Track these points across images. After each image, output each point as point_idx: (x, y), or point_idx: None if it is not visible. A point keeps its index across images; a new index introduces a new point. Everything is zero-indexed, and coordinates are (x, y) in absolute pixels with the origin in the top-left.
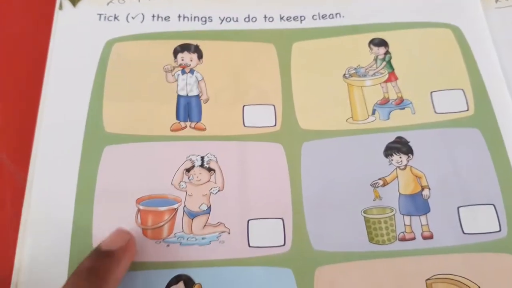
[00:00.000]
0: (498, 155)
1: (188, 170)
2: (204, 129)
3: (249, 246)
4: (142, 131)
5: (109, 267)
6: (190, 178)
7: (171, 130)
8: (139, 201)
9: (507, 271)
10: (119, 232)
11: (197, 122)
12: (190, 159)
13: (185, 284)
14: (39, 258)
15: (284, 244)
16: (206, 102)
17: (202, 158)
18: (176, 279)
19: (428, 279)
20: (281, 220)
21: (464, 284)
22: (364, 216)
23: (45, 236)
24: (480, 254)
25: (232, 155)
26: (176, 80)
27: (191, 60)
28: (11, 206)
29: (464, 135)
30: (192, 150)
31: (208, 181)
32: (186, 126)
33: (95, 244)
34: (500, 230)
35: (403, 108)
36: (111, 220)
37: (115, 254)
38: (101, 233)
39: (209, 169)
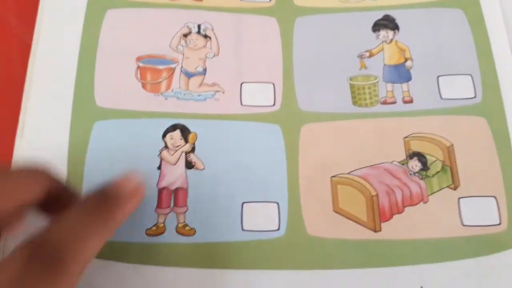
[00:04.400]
0: (479, 32)
1: (185, 35)
2: (202, 0)
3: (241, 104)
4: None
5: (117, 202)
6: (187, 43)
7: None
8: (139, 59)
9: (478, 131)
10: (127, 176)
11: None
12: (187, 26)
13: (181, 131)
14: (42, 117)
15: (274, 105)
16: None
17: (199, 25)
18: (173, 127)
19: (406, 137)
20: (271, 84)
21: (439, 141)
22: (350, 83)
23: (49, 90)
24: (455, 116)
25: (228, 25)
26: None
27: None
28: (20, 64)
29: (448, 14)
30: (189, 18)
31: (204, 46)
32: None
33: (97, 99)
34: (475, 96)
35: None
36: (112, 75)
37: (124, 194)
38: (102, 87)
39: (205, 36)
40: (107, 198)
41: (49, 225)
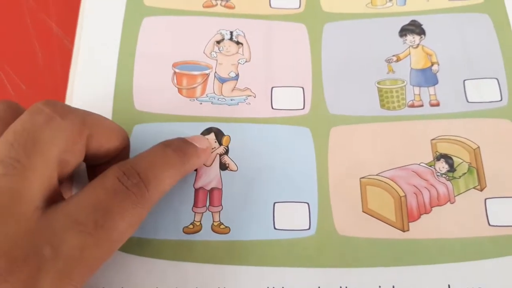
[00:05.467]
0: (504, 36)
1: (218, 42)
2: (233, 8)
3: (272, 108)
4: (178, 6)
5: (193, 152)
6: (220, 49)
7: (204, 7)
8: (175, 65)
9: (504, 133)
10: (201, 137)
11: (227, 1)
12: (220, 33)
13: (215, 134)
14: None
15: (303, 108)
16: None
17: (231, 32)
18: (208, 131)
19: (433, 139)
20: (301, 89)
21: (466, 144)
22: (378, 87)
23: (90, 93)
24: (481, 119)
25: (259, 32)
26: None
27: None
28: (61, 68)
29: (473, 19)
30: (222, 25)
31: (236, 52)
32: (217, 4)
33: (136, 103)
34: (501, 100)
35: None
36: (150, 80)
37: (197, 148)
38: (141, 91)
39: (237, 43)
40: (186, 145)
41: (136, 156)
